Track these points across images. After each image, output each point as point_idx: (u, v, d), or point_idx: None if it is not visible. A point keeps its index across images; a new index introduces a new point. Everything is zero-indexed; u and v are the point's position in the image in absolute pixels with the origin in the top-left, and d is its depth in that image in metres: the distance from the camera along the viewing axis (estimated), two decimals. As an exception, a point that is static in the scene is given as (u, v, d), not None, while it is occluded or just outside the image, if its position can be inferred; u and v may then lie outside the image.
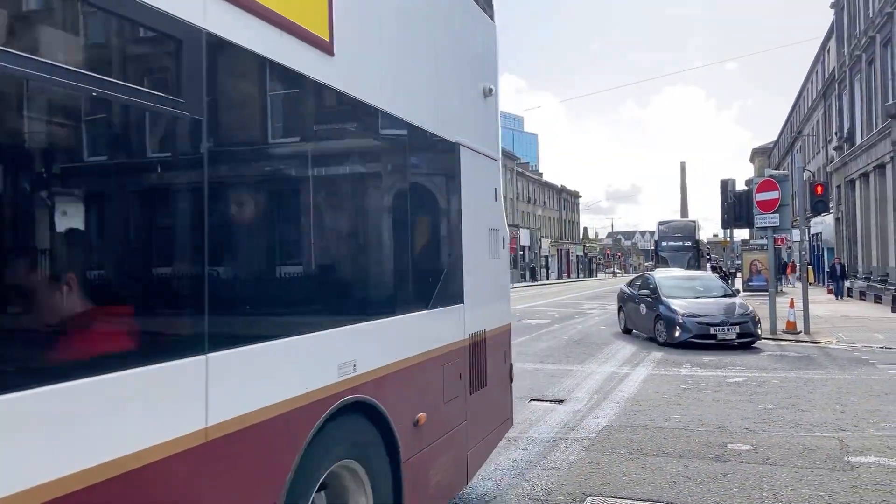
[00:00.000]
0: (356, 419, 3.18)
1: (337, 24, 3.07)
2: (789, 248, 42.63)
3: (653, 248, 58.87)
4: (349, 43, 3.17)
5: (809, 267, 35.01)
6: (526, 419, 7.59)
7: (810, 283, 27.96)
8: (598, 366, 11.46)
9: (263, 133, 2.80)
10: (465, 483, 4.53)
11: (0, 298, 1.70)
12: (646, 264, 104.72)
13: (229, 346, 2.33)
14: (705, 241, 68.55)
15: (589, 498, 5.07)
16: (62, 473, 1.72)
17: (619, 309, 17.44)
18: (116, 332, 2.03)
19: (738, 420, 7.41)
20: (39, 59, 1.74)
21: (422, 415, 3.77)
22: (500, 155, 5.61)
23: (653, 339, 14.57)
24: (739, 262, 36.93)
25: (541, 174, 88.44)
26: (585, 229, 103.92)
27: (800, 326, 15.37)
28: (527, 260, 67.55)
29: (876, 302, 24.26)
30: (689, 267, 41.69)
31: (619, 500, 5.02)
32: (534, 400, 8.65)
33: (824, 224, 37.40)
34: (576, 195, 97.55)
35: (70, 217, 1.94)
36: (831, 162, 34.90)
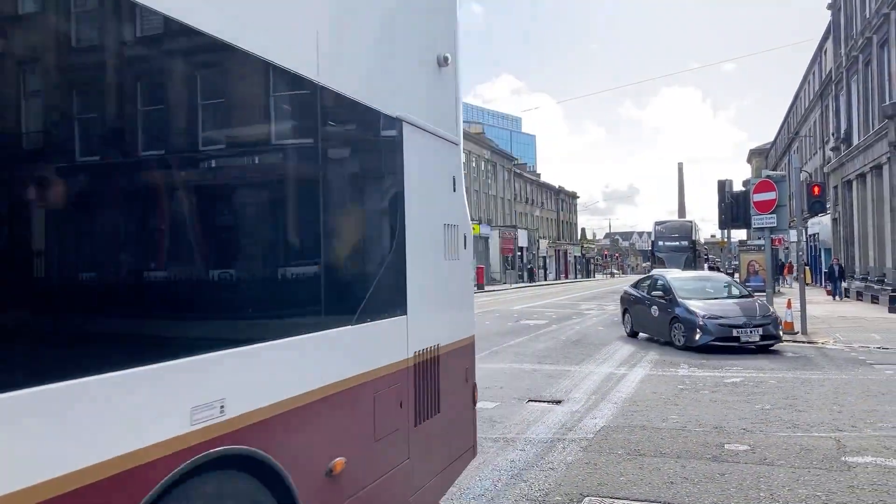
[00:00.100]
0: (226, 480, 2.39)
1: None
2: (786, 248, 42.74)
3: (649, 248, 58.94)
4: None
5: (807, 267, 35.06)
6: (524, 420, 7.60)
7: (808, 284, 28.03)
8: (595, 366, 11.47)
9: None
10: None
11: None
12: (644, 265, 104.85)
13: None
14: (702, 241, 68.63)
15: (586, 498, 5.07)
16: None
17: (624, 311, 16.81)
18: None
19: (736, 420, 7.42)
20: None
21: (339, 461, 3.01)
22: (461, 138, 4.85)
23: (667, 343, 14.03)
24: (737, 262, 36.99)
25: (538, 175, 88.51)
26: (583, 230, 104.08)
27: (797, 327, 15.40)
28: (525, 261, 67.57)
29: (873, 302, 24.31)
30: (685, 267, 41.76)
31: (616, 501, 5.03)
32: (531, 401, 8.66)
33: (821, 225, 37.46)
34: (573, 196, 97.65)
35: None
36: (828, 163, 34.97)
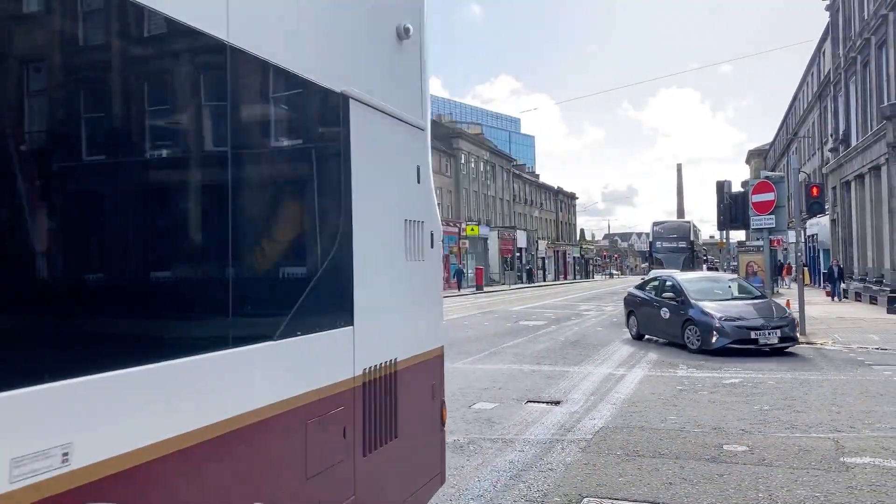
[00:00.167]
0: None
1: None
2: (785, 249, 42.77)
3: (647, 249, 58.98)
4: None
5: (805, 268, 35.11)
6: (522, 420, 7.60)
7: (806, 285, 28.04)
8: (594, 367, 11.48)
9: None
10: None
11: None
12: (643, 266, 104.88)
13: None
14: (701, 242, 68.75)
15: (585, 499, 5.07)
16: None
17: (629, 314, 16.25)
18: None
19: (734, 421, 7.43)
20: None
21: None
22: (429, 123, 4.31)
23: (680, 346, 13.56)
24: (735, 263, 37.03)
25: (537, 176, 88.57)
26: (582, 231, 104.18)
27: (796, 328, 15.40)
28: (523, 261, 67.59)
29: (871, 303, 24.34)
30: (684, 268, 41.81)
31: (615, 502, 5.03)
32: (530, 401, 8.66)
33: (820, 225, 37.50)
34: (572, 197, 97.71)
35: None
36: (827, 163, 35.00)
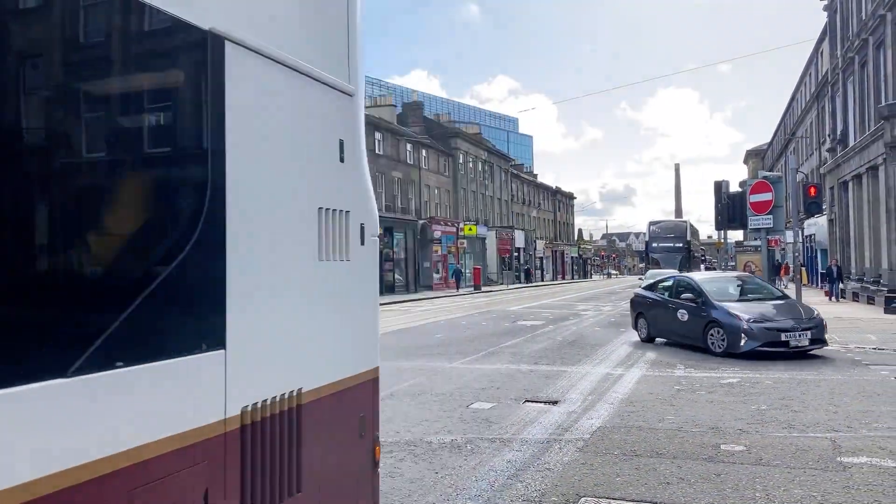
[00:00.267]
0: None
1: None
2: (783, 249, 42.83)
3: (643, 248, 58.98)
4: None
5: (803, 268, 35.15)
6: (520, 420, 7.60)
7: (804, 285, 28.10)
8: (592, 367, 11.48)
9: None
10: None
11: None
12: (640, 266, 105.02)
13: None
14: (699, 242, 68.84)
15: (583, 499, 5.07)
16: None
17: (638, 315, 15.50)
18: None
19: (732, 421, 7.43)
20: None
21: None
22: (361, 87, 3.57)
23: (701, 350, 12.91)
24: (733, 263, 37.08)
25: (535, 176, 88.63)
26: (580, 231, 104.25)
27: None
28: (521, 261, 67.63)
29: (869, 303, 24.37)
30: (681, 267, 41.84)
31: (612, 502, 5.03)
32: (528, 401, 8.67)
33: (818, 226, 37.56)
34: (570, 196, 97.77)
35: None
36: (824, 164, 35.05)
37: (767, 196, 15.86)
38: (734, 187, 20.05)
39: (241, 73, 2.56)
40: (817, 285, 36.40)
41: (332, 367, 3.22)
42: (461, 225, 53.43)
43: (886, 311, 20.67)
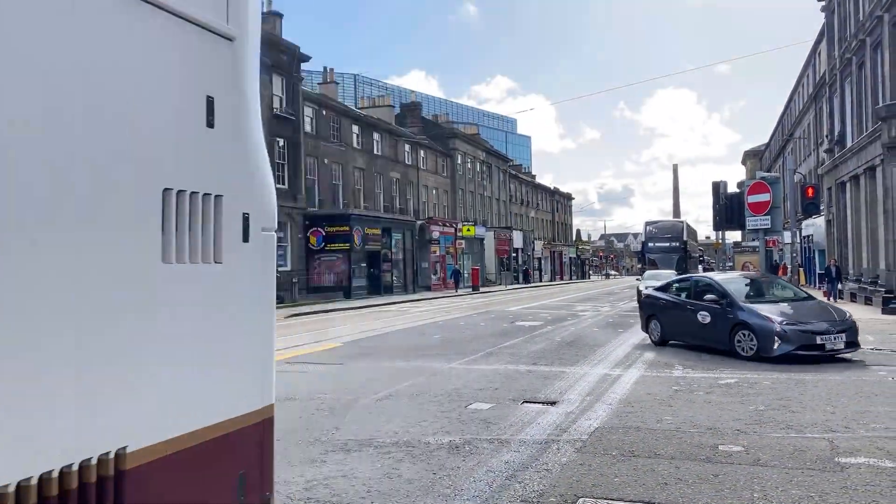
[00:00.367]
0: None
1: None
2: (781, 249, 42.88)
3: (639, 249, 58.81)
4: None
5: (801, 269, 35.23)
6: (518, 421, 7.60)
7: (801, 285, 28.13)
8: (590, 368, 11.49)
9: None
10: None
11: None
12: (639, 266, 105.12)
13: None
14: (697, 242, 68.84)
15: (581, 499, 5.08)
16: None
17: (649, 318, 14.88)
18: None
19: (730, 421, 7.44)
20: None
21: None
22: (248, 30, 2.79)
23: (725, 353, 12.39)
24: (731, 263, 37.14)
25: (534, 176, 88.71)
26: (578, 231, 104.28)
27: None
28: (520, 262, 67.65)
29: (866, 304, 24.41)
30: (677, 268, 41.84)
31: (610, 502, 5.03)
32: (526, 402, 8.67)
33: (815, 226, 37.62)
34: (568, 197, 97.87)
35: None
36: (822, 164, 35.11)
37: (765, 197, 15.88)
38: (732, 188, 20.08)
39: None
40: (815, 286, 36.44)
41: (184, 413, 2.38)
42: (459, 225, 53.45)
43: (884, 311, 20.71)
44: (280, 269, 34.00)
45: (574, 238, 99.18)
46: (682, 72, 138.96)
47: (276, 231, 3.01)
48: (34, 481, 1.84)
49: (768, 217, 15.95)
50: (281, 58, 35.26)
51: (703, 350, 13.24)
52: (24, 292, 1.82)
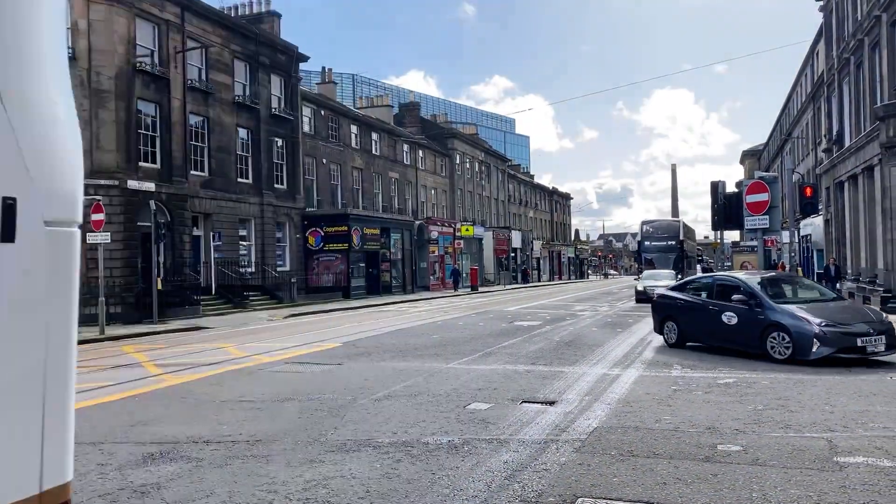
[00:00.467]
0: None
1: None
2: (779, 249, 42.90)
3: (635, 248, 58.54)
4: None
5: (799, 268, 35.26)
6: (517, 421, 7.60)
7: (800, 285, 28.06)
8: (589, 367, 11.49)
9: None
10: None
11: None
12: (637, 266, 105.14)
13: None
14: (695, 242, 68.76)
15: (580, 499, 5.08)
16: None
17: (664, 319, 14.31)
18: None
19: (729, 421, 7.44)
20: None
21: None
22: None
23: (754, 357, 11.87)
24: (730, 263, 37.17)
25: (532, 176, 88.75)
26: (577, 231, 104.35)
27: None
28: (518, 262, 67.68)
29: (865, 303, 24.40)
30: (674, 268, 41.81)
31: (609, 502, 5.03)
32: (525, 402, 8.67)
33: (814, 226, 37.63)
34: (567, 197, 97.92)
35: None
36: (820, 164, 35.14)
37: (764, 196, 15.88)
38: (731, 188, 20.09)
39: None
40: (813, 285, 36.44)
41: None
42: (458, 225, 53.46)
43: (883, 310, 20.72)
44: (279, 269, 33.99)
45: (573, 238, 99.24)
46: (680, 72, 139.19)
47: (78, 225, 2.13)
48: None
49: (767, 217, 15.94)
50: (279, 58, 35.24)
51: (704, 350, 13.24)
52: None
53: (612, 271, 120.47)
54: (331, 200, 40.28)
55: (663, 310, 14.56)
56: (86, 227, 21.51)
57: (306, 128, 37.96)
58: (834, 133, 31.87)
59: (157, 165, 26.76)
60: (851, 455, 6.05)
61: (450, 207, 57.48)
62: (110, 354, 15.23)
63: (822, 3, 34.66)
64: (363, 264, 39.44)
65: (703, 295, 13.74)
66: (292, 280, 33.62)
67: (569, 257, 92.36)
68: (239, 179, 31.84)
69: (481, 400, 8.78)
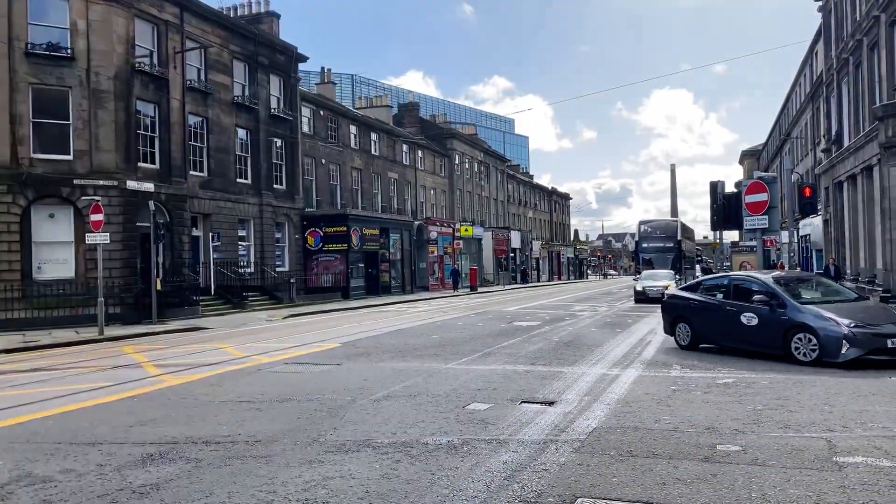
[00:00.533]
0: None
1: None
2: (778, 249, 42.93)
3: (633, 248, 58.42)
4: None
5: (798, 268, 35.26)
6: (517, 421, 7.60)
7: (799, 285, 28.07)
8: (588, 367, 11.49)
9: None
10: None
11: None
12: (637, 266, 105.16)
13: None
14: (694, 242, 68.76)
15: (579, 499, 5.07)
16: None
17: (675, 320, 13.95)
18: None
19: (728, 421, 7.45)
20: None
21: None
22: None
23: (774, 358, 11.61)
24: (729, 263, 37.17)
25: (531, 176, 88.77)
26: (576, 231, 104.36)
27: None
28: (518, 262, 67.68)
29: (864, 303, 24.43)
30: (673, 267, 41.79)
31: (608, 502, 5.03)
32: (524, 402, 8.66)
33: (813, 226, 37.65)
34: (566, 197, 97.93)
35: None
36: (819, 164, 35.16)
37: (763, 196, 15.89)
38: (730, 188, 20.09)
39: None
40: (812, 285, 36.47)
41: None
42: (457, 225, 53.46)
43: (881, 310, 20.71)
44: (278, 269, 33.99)
45: (572, 238, 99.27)
46: (679, 72, 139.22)
47: None
48: None
49: (766, 217, 15.94)
50: (278, 58, 35.24)
51: (704, 350, 13.25)
52: None
53: (611, 271, 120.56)
54: (330, 201, 40.28)
55: (675, 310, 14.12)
56: (85, 227, 21.52)
57: (305, 128, 37.96)
58: (833, 133, 31.89)
59: (156, 166, 26.76)
60: (851, 455, 6.05)
61: (449, 208, 57.49)
62: (110, 355, 15.23)
63: (820, 3, 34.68)
64: (362, 264, 39.45)
65: (719, 295, 13.33)
66: (291, 280, 33.61)
67: (568, 257, 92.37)
68: (238, 180, 31.85)
69: (480, 400, 8.78)
